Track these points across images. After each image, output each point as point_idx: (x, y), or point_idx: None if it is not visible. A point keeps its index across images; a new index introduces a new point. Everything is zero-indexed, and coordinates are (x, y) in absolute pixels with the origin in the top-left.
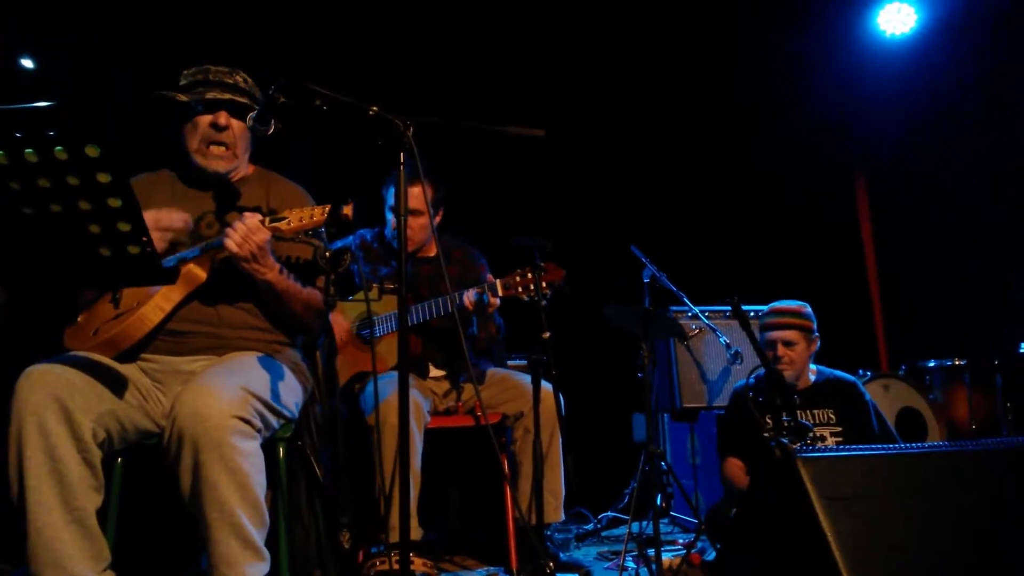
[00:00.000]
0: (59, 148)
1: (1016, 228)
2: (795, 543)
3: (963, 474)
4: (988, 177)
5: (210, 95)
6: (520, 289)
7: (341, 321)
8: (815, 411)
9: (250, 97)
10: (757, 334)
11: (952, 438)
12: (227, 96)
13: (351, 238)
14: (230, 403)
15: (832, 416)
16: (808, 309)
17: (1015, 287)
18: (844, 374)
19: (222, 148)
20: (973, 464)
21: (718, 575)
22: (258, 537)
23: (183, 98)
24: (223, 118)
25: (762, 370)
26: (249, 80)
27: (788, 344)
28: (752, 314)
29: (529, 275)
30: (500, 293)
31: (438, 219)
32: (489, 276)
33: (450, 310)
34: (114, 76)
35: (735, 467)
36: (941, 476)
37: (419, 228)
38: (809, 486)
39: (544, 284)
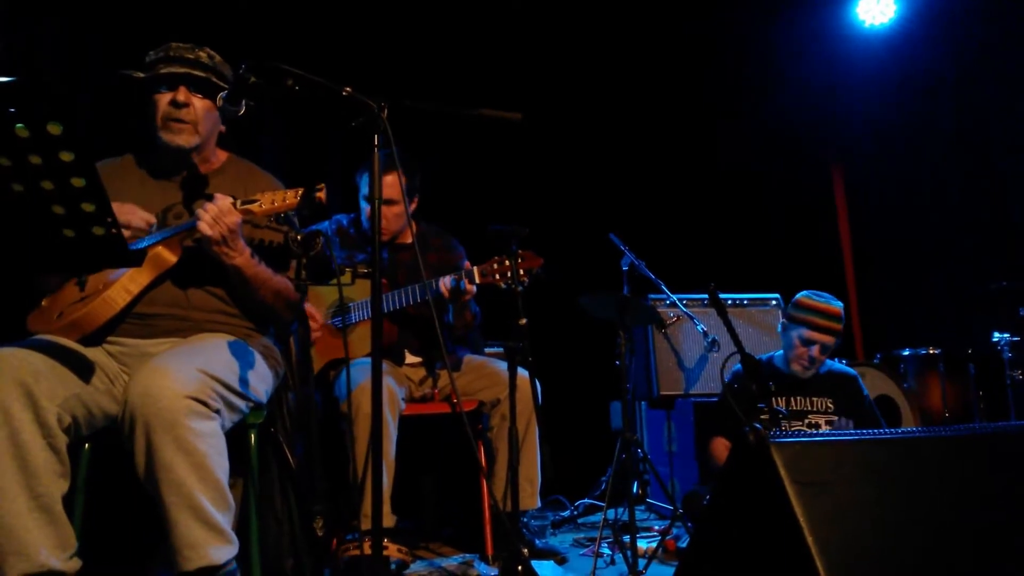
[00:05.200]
0: (20, 125)
1: (990, 218)
2: (768, 529)
3: (936, 460)
4: (963, 168)
5: (166, 70)
6: (497, 276)
7: (316, 315)
8: (814, 399)
9: (213, 72)
10: (782, 324)
11: (925, 426)
12: (183, 70)
13: (326, 223)
14: (184, 384)
15: (830, 405)
16: (843, 310)
17: (988, 277)
18: (846, 367)
19: (183, 124)
20: (946, 450)
21: (691, 559)
22: (221, 519)
23: (139, 75)
24: (182, 94)
25: (763, 356)
26: (215, 56)
27: (825, 349)
28: (729, 302)
29: (507, 262)
30: (477, 280)
31: (413, 206)
32: (467, 263)
33: (426, 297)
34: (89, 47)
35: (721, 445)
36: (914, 462)
37: (394, 216)
38: (782, 471)
39: (522, 272)
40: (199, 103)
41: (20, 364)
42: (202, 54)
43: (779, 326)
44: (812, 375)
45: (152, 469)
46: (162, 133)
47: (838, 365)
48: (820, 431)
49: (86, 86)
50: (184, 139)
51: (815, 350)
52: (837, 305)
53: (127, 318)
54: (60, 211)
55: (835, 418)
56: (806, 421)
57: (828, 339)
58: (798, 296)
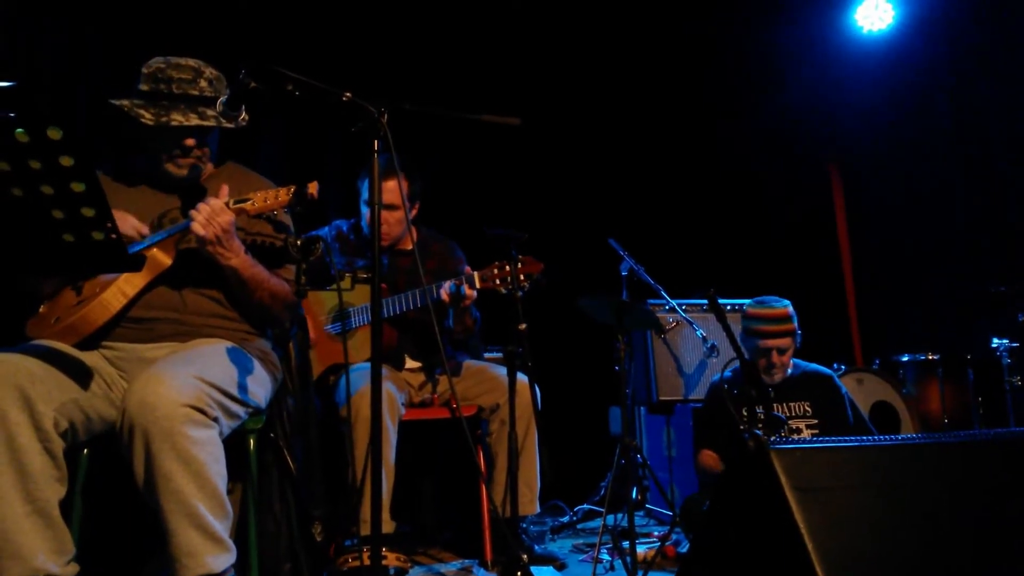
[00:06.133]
0: (20, 130)
1: (989, 223)
2: (768, 535)
3: (936, 466)
4: (962, 172)
5: (175, 120)
6: (498, 282)
7: (313, 319)
8: (791, 404)
9: (215, 104)
10: (738, 330)
11: (925, 431)
12: (194, 122)
13: (326, 229)
14: (180, 392)
15: (808, 408)
16: (791, 308)
17: (988, 282)
18: (820, 367)
19: (190, 159)
20: (946, 456)
21: (690, 567)
22: (219, 527)
23: (148, 120)
24: (190, 141)
25: (738, 363)
26: (213, 76)
27: (782, 352)
28: (728, 307)
29: (507, 267)
30: (477, 285)
31: (414, 212)
32: (467, 268)
33: (426, 302)
34: (89, 47)
35: (708, 457)
36: (914, 468)
37: (395, 222)
38: (782, 477)
39: (522, 277)
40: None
41: (17, 369)
42: (203, 83)
43: (739, 338)
44: (784, 379)
45: (151, 478)
46: (167, 165)
47: (813, 366)
48: (818, 438)
49: (86, 86)
50: (188, 170)
51: (773, 355)
52: (782, 305)
53: (123, 322)
54: (60, 216)
55: (815, 422)
56: (786, 427)
57: (781, 341)
58: (745, 307)
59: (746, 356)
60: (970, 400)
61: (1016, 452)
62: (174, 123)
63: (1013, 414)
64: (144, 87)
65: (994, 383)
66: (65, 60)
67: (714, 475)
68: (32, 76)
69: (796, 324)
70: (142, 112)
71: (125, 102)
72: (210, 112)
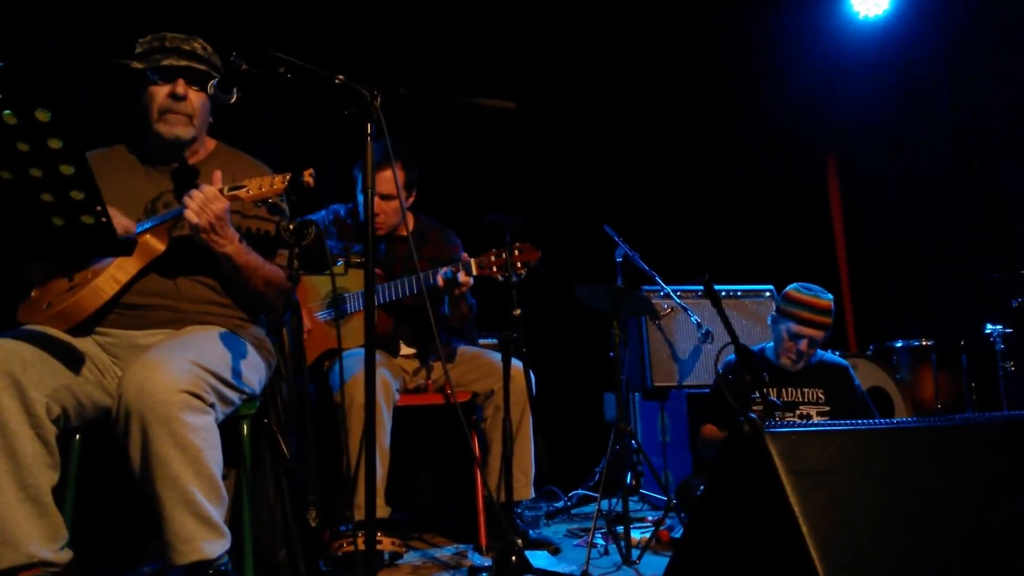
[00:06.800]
0: (8, 112)
1: (984, 210)
2: (763, 519)
3: (933, 450)
4: (958, 159)
5: (166, 62)
6: (495, 269)
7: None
8: (805, 389)
9: (208, 64)
10: (732, 315)
11: (918, 417)
12: (184, 63)
13: (323, 213)
14: (177, 378)
15: (821, 396)
16: (833, 304)
17: (982, 269)
18: (836, 357)
19: (180, 116)
20: (941, 440)
21: (684, 550)
22: (215, 513)
23: (138, 65)
24: (180, 87)
25: (755, 347)
26: (208, 47)
27: (813, 343)
28: (723, 293)
29: (504, 255)
30: (475, 272)
31: (411, 200)
32: (464, 255)
33: (421, 289)
34: (89, 47)
35: (711, 428)
36: (910, 452)
37: (392, 211)
38: (777, 461)
39: (519, 264)
40: (195, 96)
41: (8, 354)
42: (196, 45)
43: (769, 318)
44: (804, 366)
45: (147, 464)
46: (158, 125)
47: (830, 356)
48: (812, 422)
49: (85, 85)
50: (180, 130)
51: (803, 344)
52: (827, 298)
53: (116, 308)
54: (49, 199)
55: (827, 409)
56: (797, 412)
57: (816, 333)
58: (787, 289)
59: (772, 337)
60: (964, 386)
61: (1010, 437)
62: (165, 63)
63: (1006, 400)
64: (139, 51)
65: (988, 369)
66: (65, 60)
67: (716, 443)
68: (23, 63)
69: (832, 320)
70: (133, 62)
71: (118, 60)
72: (202, 65)
